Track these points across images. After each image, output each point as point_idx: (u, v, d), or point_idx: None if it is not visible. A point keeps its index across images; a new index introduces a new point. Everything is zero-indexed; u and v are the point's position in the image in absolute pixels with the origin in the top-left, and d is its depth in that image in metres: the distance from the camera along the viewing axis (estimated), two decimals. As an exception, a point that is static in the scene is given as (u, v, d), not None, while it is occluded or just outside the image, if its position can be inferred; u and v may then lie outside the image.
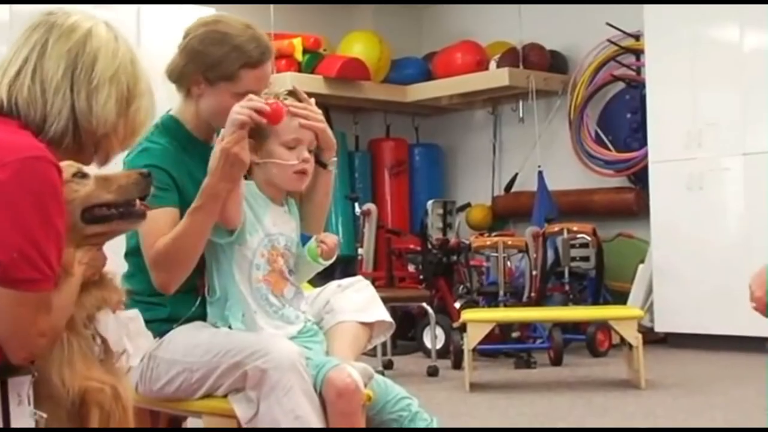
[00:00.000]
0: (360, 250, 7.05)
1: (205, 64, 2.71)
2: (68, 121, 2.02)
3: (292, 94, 2.85)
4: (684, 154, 7.18)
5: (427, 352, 6.93)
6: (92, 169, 2.11)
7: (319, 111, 2.84)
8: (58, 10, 2.10)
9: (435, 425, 2.82)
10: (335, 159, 2.92)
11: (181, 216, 2.62)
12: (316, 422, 2.51)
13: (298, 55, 8.14)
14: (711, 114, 7.04)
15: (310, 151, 2.79)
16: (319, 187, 2.91)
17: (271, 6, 8.00)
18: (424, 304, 6.95)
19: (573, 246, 7.34)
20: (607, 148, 8.21)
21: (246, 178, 2.77)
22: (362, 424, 2.63)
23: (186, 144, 2.79)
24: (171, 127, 2.78)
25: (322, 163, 2.86)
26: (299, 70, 8.06)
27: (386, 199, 8.98)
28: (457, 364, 6.27)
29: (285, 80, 7.25)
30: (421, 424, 2.78)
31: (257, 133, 2.76)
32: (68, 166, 2.01)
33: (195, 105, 2.79)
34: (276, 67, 7.76)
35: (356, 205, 7.48)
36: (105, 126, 2.05)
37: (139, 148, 2.69)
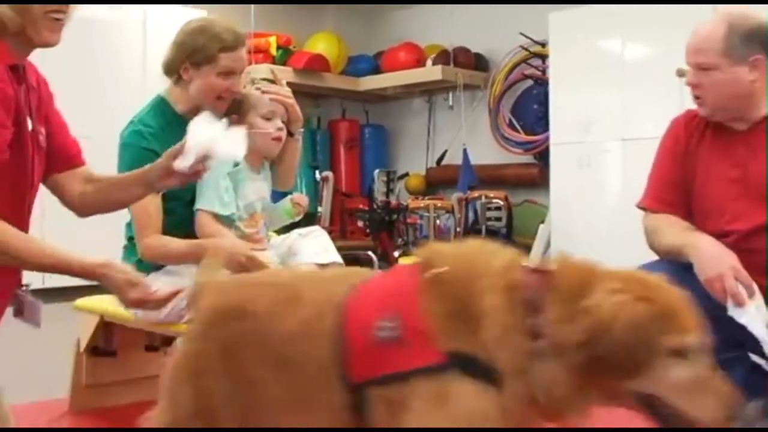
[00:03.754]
0: (319, 209, 7.04)
1: (189, 51, 2.68)
2: None
3: (271, 80, 2.89)
4: (577, 138, 7.22)
5: (371, 291, 6.96)
6: None
7: (289, 90, 2.86)
8: None
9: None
10: (302, 130, 2.94)
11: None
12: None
13: (273, 51, 8.07)
14: (598, 108, 7.07)
15: (283, 122, 2.80)
16: (289, 151, 2.92)
17: (252, 8, 7.91)
18: (370, 253, 6.97)
19: (489, 209, 7.39)
20: (518, 132, 8.24)
21: None
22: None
23: (173, 122, 2.72)
24: (162, 108, 2.74)
25: (291, 132, 2.87)
26: (273, 63, 7.97)
27: (341, 169, 8.92)
28: (394, 300, 6.29)
29: (261, 70, 7.18)
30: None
31: (240, 108, 2.75)
32: None
33: (186, 90, 2.74)
34: (255, 60, 7.69)
35: (317, 172, 7.46)
36: None
37: (132, 128, 2.67)
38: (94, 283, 2.22)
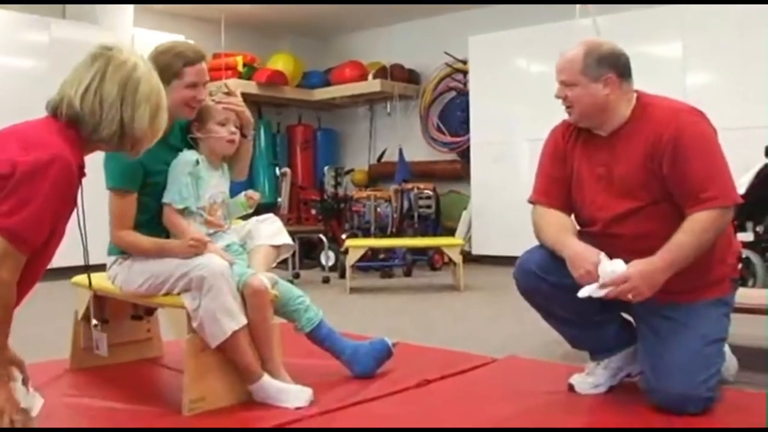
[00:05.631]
0: (279, 199, 7.01)
1: (158, 70, 2.50)
2: (117, 127, 1.99)
3: (227, 92, 2.85)
4: (492, 139, 7.32)
5: (322, 267, 6.98)
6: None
7: (241, 100, 2.83)
8: (113, 46, 2.07)
9: (321, 315, 2.84)
10: (253, 132, 2.92)
11: (144, 184, 2.63)
12: (239, 312, 2.50)
13: (240, 68, 8.01)
14: (510, 114, 7.18)
15: (236, 127, 2.80)
16: (243, 149, 2.88)
17: (222, 31, 7.86)
18: (321, 236, 6.99)
19: (420, 198, 7.43)
20: (444, 134, 8.31)
21: (194, 148, 2.75)
22: (271, 315, 2.63)
23: None
24: None
25: (244, 134, 2.86)
26: (240, 77, 7.94)
27: (298, 165, 8.93)
28: (342, 275, 6.30)
29: (230, 84, 7.14)
30: (311, 313, 2.82)
31: (200, 118, 2.75)
32: None
33: None
34: (225, 75, 7.65)
35: (277, 168, 7.43)
36: (141, 130, 2.02)
37: None
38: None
